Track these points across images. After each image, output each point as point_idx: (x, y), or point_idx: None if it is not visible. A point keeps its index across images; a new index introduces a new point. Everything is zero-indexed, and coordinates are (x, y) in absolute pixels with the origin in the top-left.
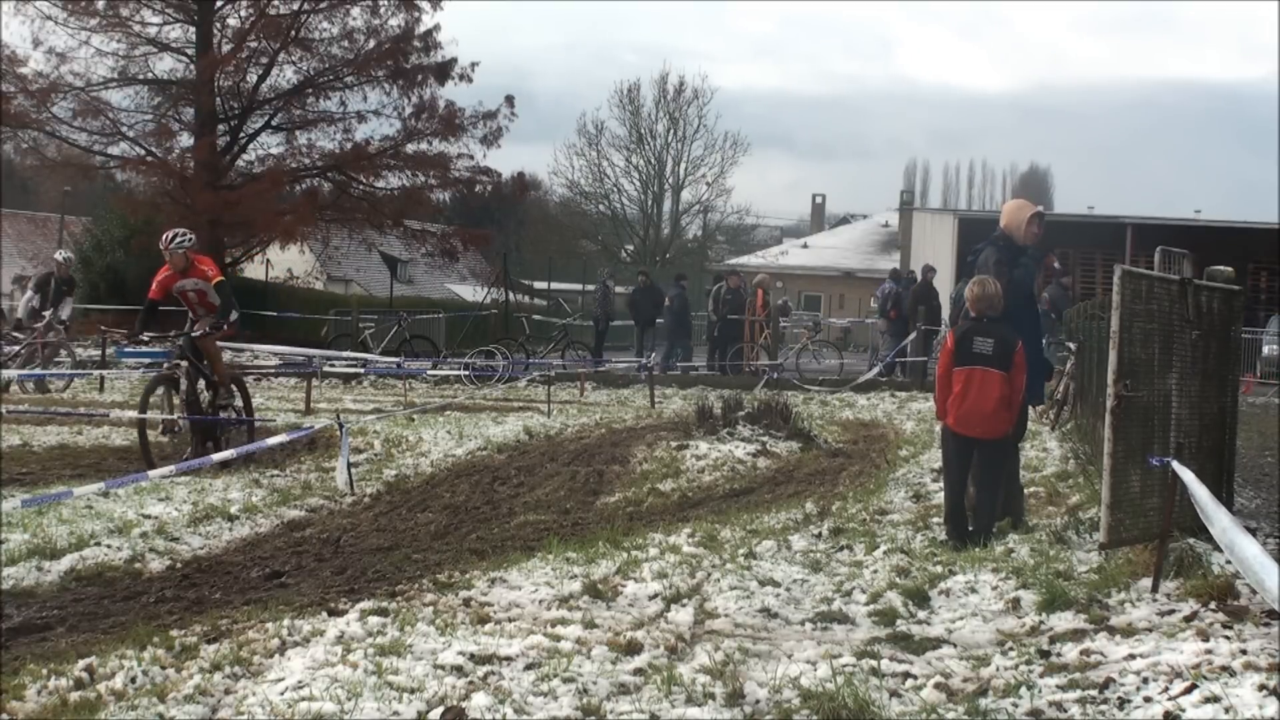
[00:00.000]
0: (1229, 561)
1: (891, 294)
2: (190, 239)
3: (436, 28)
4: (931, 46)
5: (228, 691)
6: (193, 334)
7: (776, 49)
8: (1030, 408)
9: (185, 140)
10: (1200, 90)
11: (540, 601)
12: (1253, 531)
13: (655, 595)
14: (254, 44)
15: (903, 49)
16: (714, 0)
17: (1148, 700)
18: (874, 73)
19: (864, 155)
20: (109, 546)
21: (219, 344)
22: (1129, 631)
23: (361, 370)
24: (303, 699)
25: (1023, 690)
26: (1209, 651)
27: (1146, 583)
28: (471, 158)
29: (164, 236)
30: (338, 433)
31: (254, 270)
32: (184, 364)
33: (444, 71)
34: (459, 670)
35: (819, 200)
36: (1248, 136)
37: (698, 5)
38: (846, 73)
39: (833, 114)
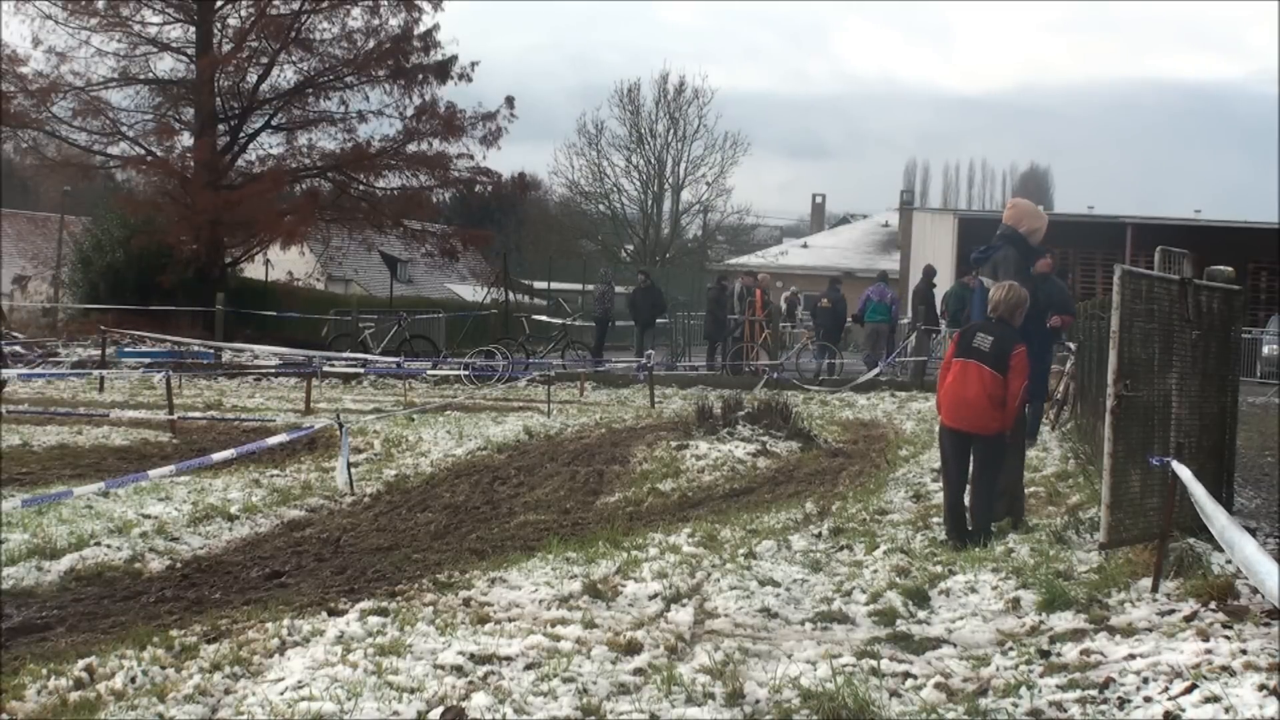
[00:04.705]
0: (1229, 561)
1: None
2: None
3: (436, 27)
4: (881, 42)
5: (228, 691)
6: None
7: (740, 49)
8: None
9: (185, 140)
10: (1182, 90)
11: (540, 601)
12: (1252, 531)
13: (655, 595)
14: (254, 44)
15: (868, 47)
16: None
17: (1148, 700)
18: (854, 73)
19: (830, 155)
20: (109, 546)
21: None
22: (1129, 631)
23: (361, 370)
24: (303, 699)
25: (1023, 690)
26: (1209, 651)
27: (1146, 583)
28: (471, 158)
29: None
30: (338, 433)
31: (254, 270)
32: None
33: (444, 71)
34: (459, 670)
35: (819, 200)
36: (1232, 137)
37: (637, 5)
38: (812, 72)
39: (798, 115)
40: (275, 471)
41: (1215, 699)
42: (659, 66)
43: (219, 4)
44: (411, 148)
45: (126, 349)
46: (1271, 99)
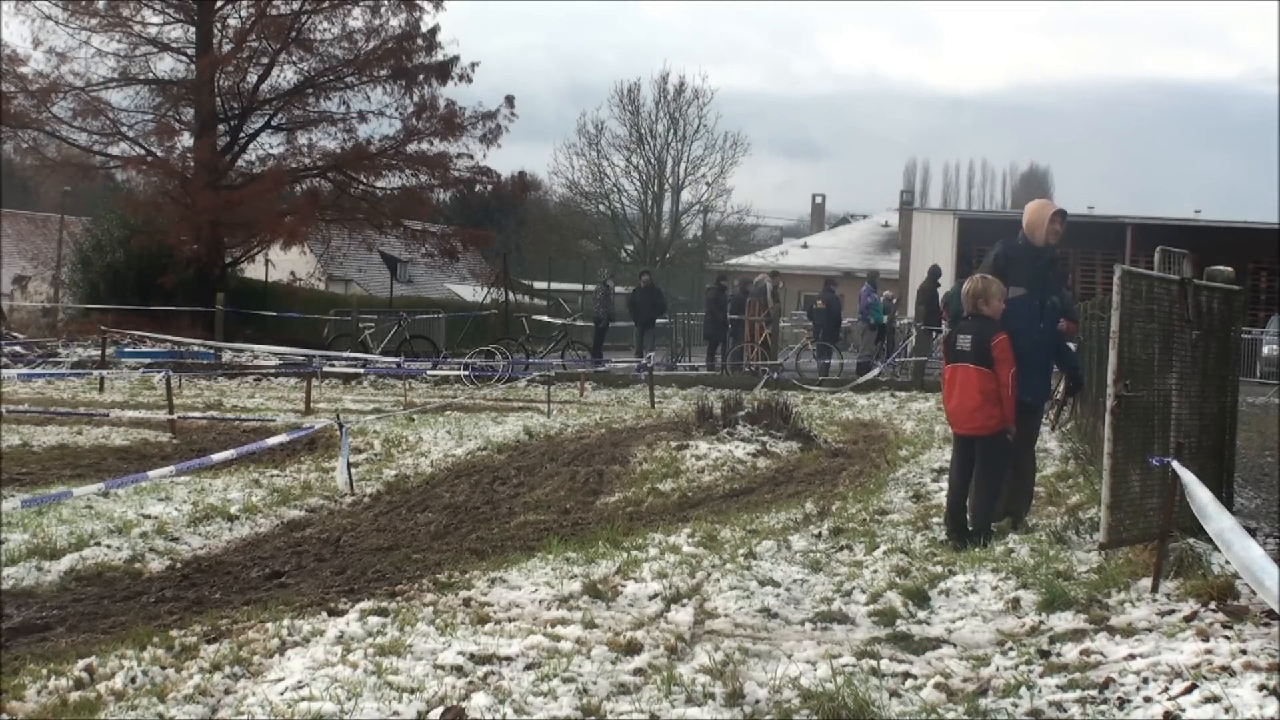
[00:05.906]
0: (1229, 561)
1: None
2: None
3: (437, 28)
4: (871, 41)
5: (228, 691)
6: None
7: (730, 47)
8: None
9: (185, 140)
10: (1177, 90)
11: (540, 601)
12: (1252, 532)
13: (655, 595)
14: (254, 44)
15: (857, 46)
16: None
17: (1148, 700)
18: (845, 73)
19: (828, 155)
20: (109, 546)
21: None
22: (1129, 631)
23: (362, 370)
24: (303, 699)
25: (1023, 690)
26: (1209, 651)
27: (1146, 583)
28: (471, 157)
29: None
30: (338, 433)
31: (254, 270)
32: None
33: (445, 71)
34: (459, 670)
35: (819, 200)
36: (1230, 137)
37: (625, 4)
38: (801, 71)
39: (788, 113)
40: (275, 471)
41: (1215, 699)
42: (648, 65)
43: (219, 4)
44: (411, 147)
45: (126, 349)
46: (1269, 98)
